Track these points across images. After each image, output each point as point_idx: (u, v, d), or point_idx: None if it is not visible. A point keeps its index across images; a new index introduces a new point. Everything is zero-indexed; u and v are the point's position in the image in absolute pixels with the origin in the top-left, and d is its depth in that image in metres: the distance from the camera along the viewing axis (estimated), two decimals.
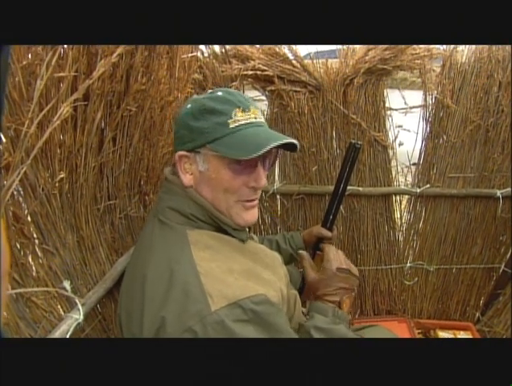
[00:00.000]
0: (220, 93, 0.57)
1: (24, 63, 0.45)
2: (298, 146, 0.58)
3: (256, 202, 0.60)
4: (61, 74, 0.50)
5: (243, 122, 0.54)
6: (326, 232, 0.94)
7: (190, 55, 0.94)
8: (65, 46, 0.51)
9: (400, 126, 1.31)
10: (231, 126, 0.53)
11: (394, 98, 1.28)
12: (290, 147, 0.58)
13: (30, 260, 0.57)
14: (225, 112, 0.54)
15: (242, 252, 0.57)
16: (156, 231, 0.56)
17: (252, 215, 0.59)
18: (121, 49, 0.58)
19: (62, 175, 0.56)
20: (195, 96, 0.60)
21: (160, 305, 0.46)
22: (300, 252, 0.73)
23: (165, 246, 0.53)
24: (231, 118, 0.54)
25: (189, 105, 0.58)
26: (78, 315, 0.61)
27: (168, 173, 0.61)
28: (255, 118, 0.56)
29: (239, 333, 0.44)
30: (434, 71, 1.24)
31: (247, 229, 0.70)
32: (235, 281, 0.49)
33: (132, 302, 0.51)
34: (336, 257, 0.69)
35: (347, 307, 0.65)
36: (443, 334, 1.30)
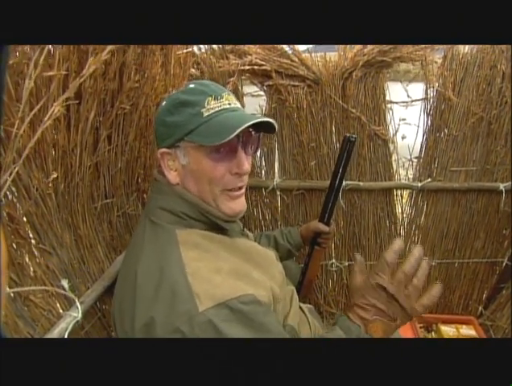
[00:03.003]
0: (192, 85, 0.57)
1: (11, 62, 0.44)
2: (276, 126, 0.56)
3: (242, 191, 0.59)
4: (50, 73, 0.49)
5: (217, 109, 0.54)
6: (323, 227, 0.93)
7: (185, 50, 0.93)
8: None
9: (404, 119, 1.29)
10: (205, 115, 0.53)
11: (398, 91, 1.26)
12: (269, 129, 0.57)
13: (27, 259, 0.57)
14: (198, 102, 0.54)
15: (232, 251, 0.57)
16: (147, 231, 0.56)
17: (239, 205, 0.59)
18: (111, 46, 0.58)
19: (54, 175, 0.56)
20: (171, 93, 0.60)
21: (149, 306, 0.46)
22: (356, 255, 0.62)
23: (155, 247, 0.53)
24: (204, 107, 0.53)
25: (164, 102, 0.58)
26: (77, 313, 0.62)
27: (156, 173, 0.61)
28: (229, 104, 0.56)
29: (227, 333, 0.43)
30: (436, 62, 1.22)
31: (239, 222, 0.70)
32: (223, 281, 0.49)
33: (124, 301, 0.52)
34: (384, 272, 0.53)
35: (376, 333, 0.53)
36: (445, 329, 1.29)
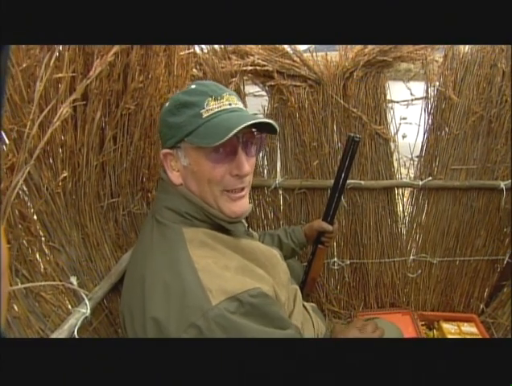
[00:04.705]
0: (193, 86, 0.57)
1: (24, 65, 0.46)
2: (276, 127, 0.56)
3: (244, 192, 0.59)
4: (59, 75, 0.51)
5: (216, 110, 0.53)
6: (327, 226, 0.94)
7: (187, 51, 0.94)
8: (61, 47, 0.51)
9: (404, 118, 1.29)
10: (204, 116, 0.53)
11: (399, 90, 1.27)
12: (271, 129, 0.56)
13: (37, 257, 0.59)
14: (198, 103, 0.54)
15: (237, 251, 0.58)
16: (155, 230, 0.56)
17: (240, 207, 0.58)
18: (116, 48, 0.59)
19: (65, 174, 0.58)
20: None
21: (161, 305, 0.47)
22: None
23: (163, 245, 0.54)
24: (203, 108, 0.53)
25: (167, 103, 0.58)
26: (85, 309, 0.64)
27: (162, 172, 0.62)
28: (229, 104, 0.55)
29: (240, 324, 0.45)
30: (436, 61, 1.23)
31: (244, 222, 0.70)
32: (232, 277, 0.50)
33: (133, 302, 0.52)
34: (352, 332, 0.73)
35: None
36: (447, 326, 1.30)
